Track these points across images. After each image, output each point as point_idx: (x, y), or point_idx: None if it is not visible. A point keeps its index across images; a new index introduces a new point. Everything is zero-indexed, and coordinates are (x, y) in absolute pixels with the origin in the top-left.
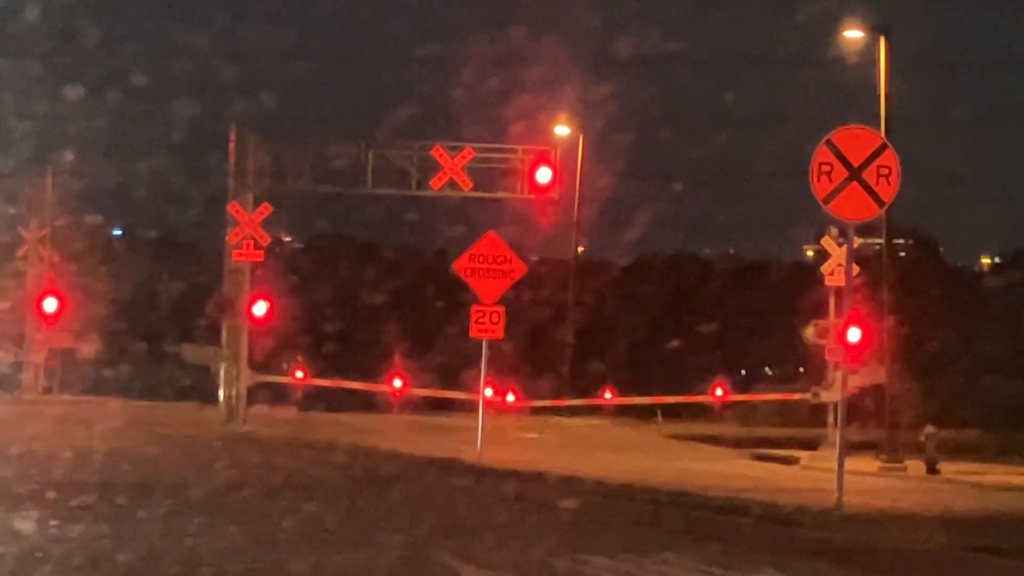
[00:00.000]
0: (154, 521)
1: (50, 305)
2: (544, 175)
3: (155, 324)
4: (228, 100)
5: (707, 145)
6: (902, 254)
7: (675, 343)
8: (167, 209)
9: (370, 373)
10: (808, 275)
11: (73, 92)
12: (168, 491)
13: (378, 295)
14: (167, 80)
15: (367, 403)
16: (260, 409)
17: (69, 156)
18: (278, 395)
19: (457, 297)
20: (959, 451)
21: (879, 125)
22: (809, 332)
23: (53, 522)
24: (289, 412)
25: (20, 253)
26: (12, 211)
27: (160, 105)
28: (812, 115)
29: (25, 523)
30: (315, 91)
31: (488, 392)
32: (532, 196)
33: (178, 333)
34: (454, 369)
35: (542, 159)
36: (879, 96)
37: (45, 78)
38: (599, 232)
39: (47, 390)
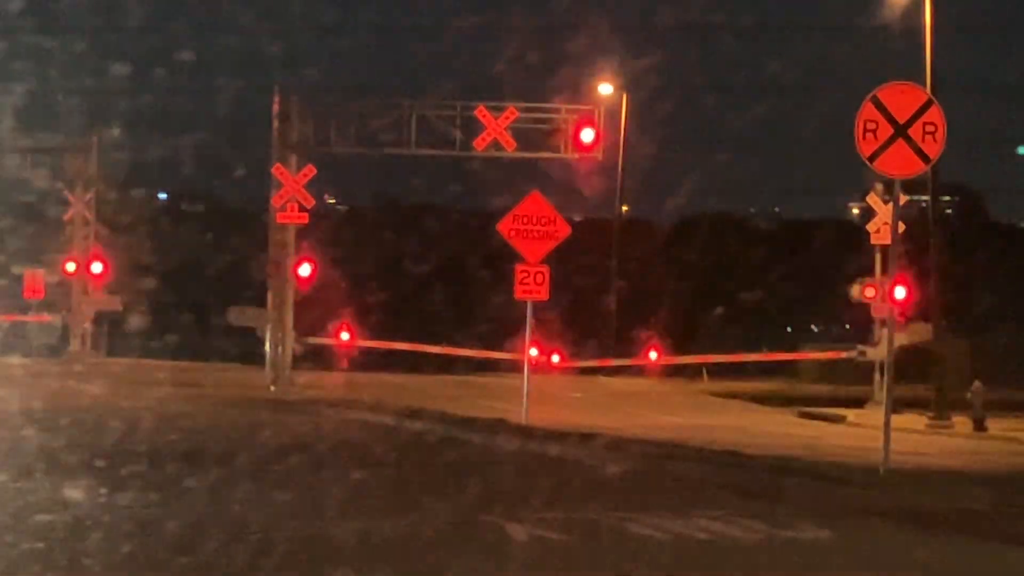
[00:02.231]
0: (202, 489)
1: (96, 267)
2: (588, 135)
3: (203, 289)
4: (274, 71)
5: (749, 106)
6: (948, 211)
7: (719, 304)
8: (213, 179)
9: (416, 336)
10: (854, 233)
11: (121, 65)
12: (215, 458)
13: (424, 260)
14: (205, 49)
15: (412, 364)
16: (306, 372)
17: (116, 127)
18: (324, 357)
19: (503, 263)
20: (1005, 408)
21: (926, 84)
22: (855, 290)
23: (102, 491)
24: (335, 376)
25: (66, 217)
26: (60, 185)
27: (206, 77)
28: (858, 79)
29: (75, 492)
30: (358, 60)
31: (533, 352)
32: (576, 156)
33: (224, 300)
34: (500, 334)
35: (586, 120)
36: (925, 53)
37: (93, 52)
38: (643, 193)
39: (94, 354)
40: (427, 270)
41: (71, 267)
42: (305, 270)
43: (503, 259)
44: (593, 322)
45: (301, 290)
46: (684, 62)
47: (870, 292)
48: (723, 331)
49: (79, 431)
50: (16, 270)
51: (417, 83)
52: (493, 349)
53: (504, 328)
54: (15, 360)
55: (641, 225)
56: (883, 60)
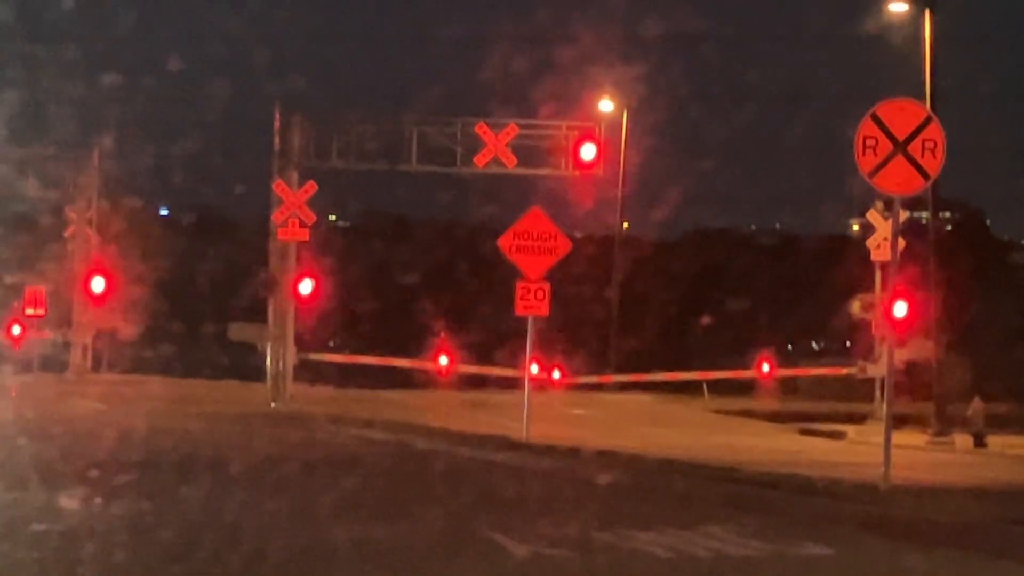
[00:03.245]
0: (196, 498)
1: (98, 285)
2: (588, 151)
3: (198, 303)
4: (267, 80)
5: (748, 120)
6: (948, 228)
7: (720, 319)
8: (209, 188)
9: (410, 350)
10: (854, 249)
11: (114, 76)
12: (212, 469)
13: (416, 272)
14: (205, 61)
15: (407, 380)
16: (306, 386)
17: (112, 138)
18: (320, 372)
19: (496, 271)
20: (1006, 424)
21: (924, 95)
22: (855, 306)
23: (97, 499)
24: (334, 391)
25: (67, 234)
26: (57, 193)
27: (199, 86)
28: (855, 89)
29: (69, 501)
30: (351, 69)
31: (534, 369)
32: (576, 173)
33: (222, 312)
34: (492, 345)
35: (587, 136)
36: (925, 70)
37: (88, 63)
38: (640, 208)
39: (94, 369)
40: (422, 282)
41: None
42: (306, 287)
43: (498, 268)
44: (594, 337)
45: (303, 307)
46: (680, 77)
47: (870, 311)
48: (725, 348)
49: (87, 450)
50: (10, 280)
51: (418, 98)
52: (486, 361)
53: (497, 339)
54: (16, 376)
55: (642, 241)
56: (886, 72)
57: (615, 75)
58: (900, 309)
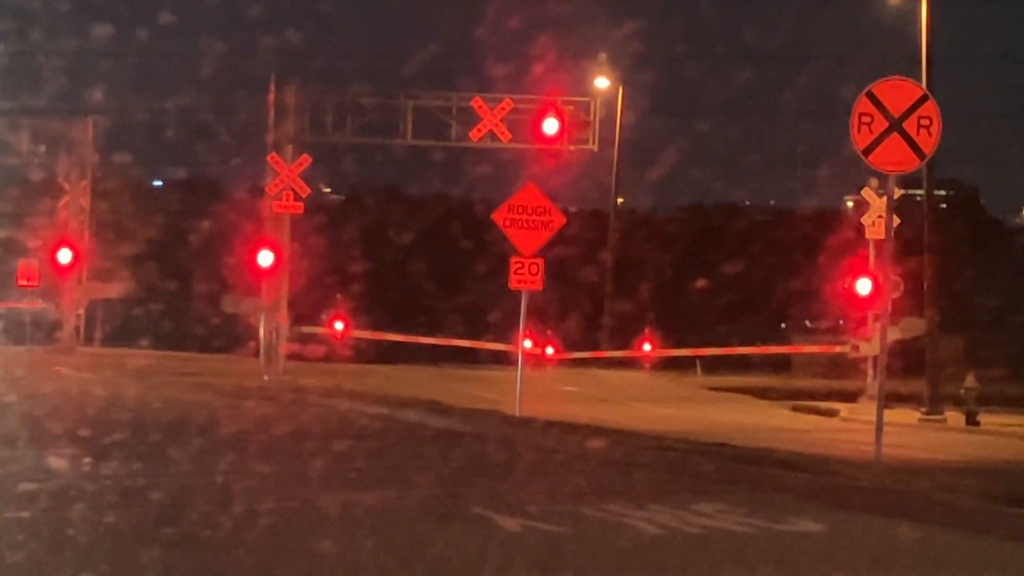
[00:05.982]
0: (186, 460)
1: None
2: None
3: (190, 269)
4: (258, 41)
5: (746, 94)
6: (943, 206)
7: (712, 295)
8: (200, 152)
9: (404, 321)
10: (848, 224)
11: (104, 34)
12: (202, 434)
13: (410, 242)
14: (199, 17)
15: (403, 355)
16: (298, 360)
17: (105, 102)
18: (317, 346)
19: (486, 238)
20: (998, 403)
21: (927, 70)
22: (848, 284)
23: (86, 460)
24: (326, 365)
25: (60, 204)
26: (49, 150)
27: (193, 44)
28: (855, 59)
29: (58, 461)
30: (346, 33)
31: (527, 344)
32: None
33: (214, 278)
34: (486, 312)
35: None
36: (921, 43)
37: (83, 27)
38: (636, 183)
39: (86, 340)
40: (418, 255)
41: (66, 256)
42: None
43: (491, 237)
44: (587, 313)
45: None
46: (679, 49)
47: (864, 286)
48: (716, 324)
49: (75, 417)
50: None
51: (413, 58)
52: (477, 330)
53: (497, 310)
54: (6, 348)
55: (638, 216)
56: (878, 35)
57: (611, 46)
58: (894, 287)
